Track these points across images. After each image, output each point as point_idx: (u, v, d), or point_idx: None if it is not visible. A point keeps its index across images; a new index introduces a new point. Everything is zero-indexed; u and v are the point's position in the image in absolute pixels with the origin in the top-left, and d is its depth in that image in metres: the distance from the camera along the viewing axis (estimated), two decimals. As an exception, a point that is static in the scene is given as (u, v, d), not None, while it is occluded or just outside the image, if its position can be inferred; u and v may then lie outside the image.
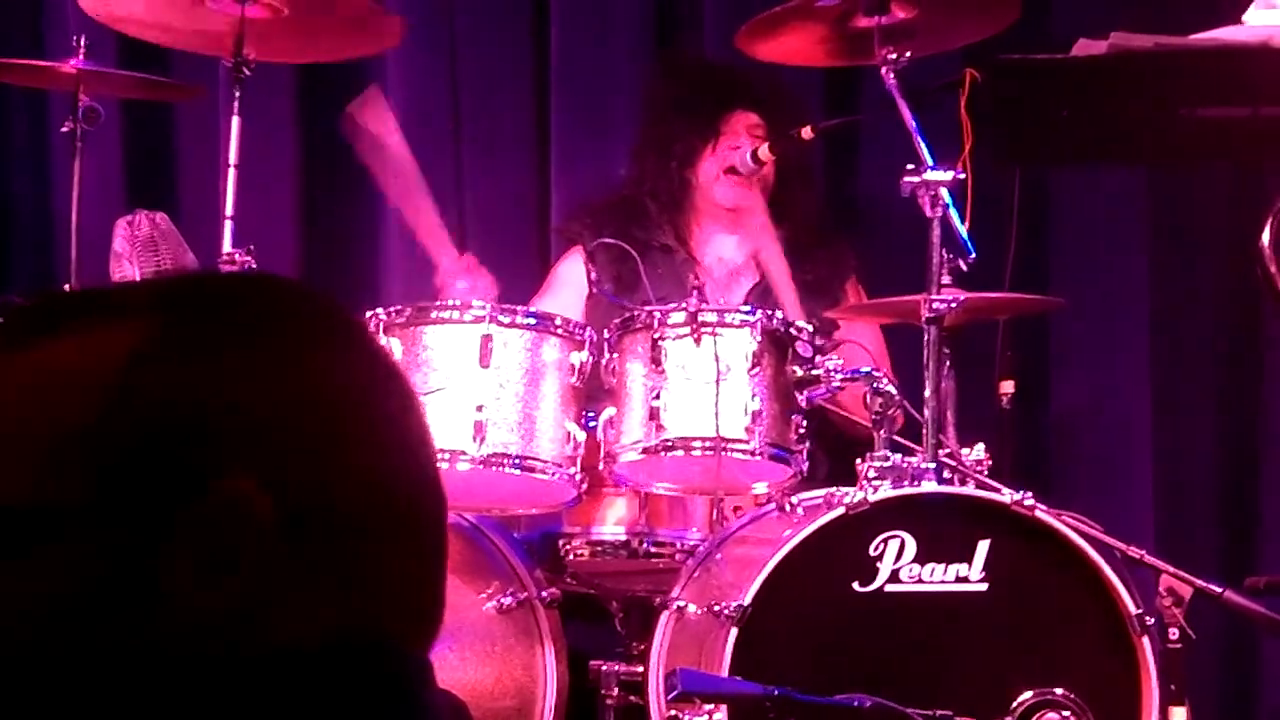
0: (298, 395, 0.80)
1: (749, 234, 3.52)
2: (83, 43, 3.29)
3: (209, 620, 0.78)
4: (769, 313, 2.91)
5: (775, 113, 3.48)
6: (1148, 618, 2.73)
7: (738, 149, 3.47)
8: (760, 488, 2.98)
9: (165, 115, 4.10)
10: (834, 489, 2.86)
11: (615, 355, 2.90)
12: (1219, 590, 2.80)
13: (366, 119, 3.38)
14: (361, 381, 0.84)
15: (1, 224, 4.10)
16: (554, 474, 2.84)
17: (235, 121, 3.26)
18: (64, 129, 3.32)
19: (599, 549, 3.05)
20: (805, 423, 2.90)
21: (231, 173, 3.25)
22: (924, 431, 2.90)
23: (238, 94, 3.27)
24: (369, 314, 2.89)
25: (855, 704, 2.53)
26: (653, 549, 3.01)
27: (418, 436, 0.86)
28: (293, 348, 0.82)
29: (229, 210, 3.23)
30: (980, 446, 2.99)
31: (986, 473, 2.94)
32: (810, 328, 2.96)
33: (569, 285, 3.54)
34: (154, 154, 4.11)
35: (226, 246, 3.18)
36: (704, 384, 2.82)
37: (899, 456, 2.86)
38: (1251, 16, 2.17)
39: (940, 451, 2.89)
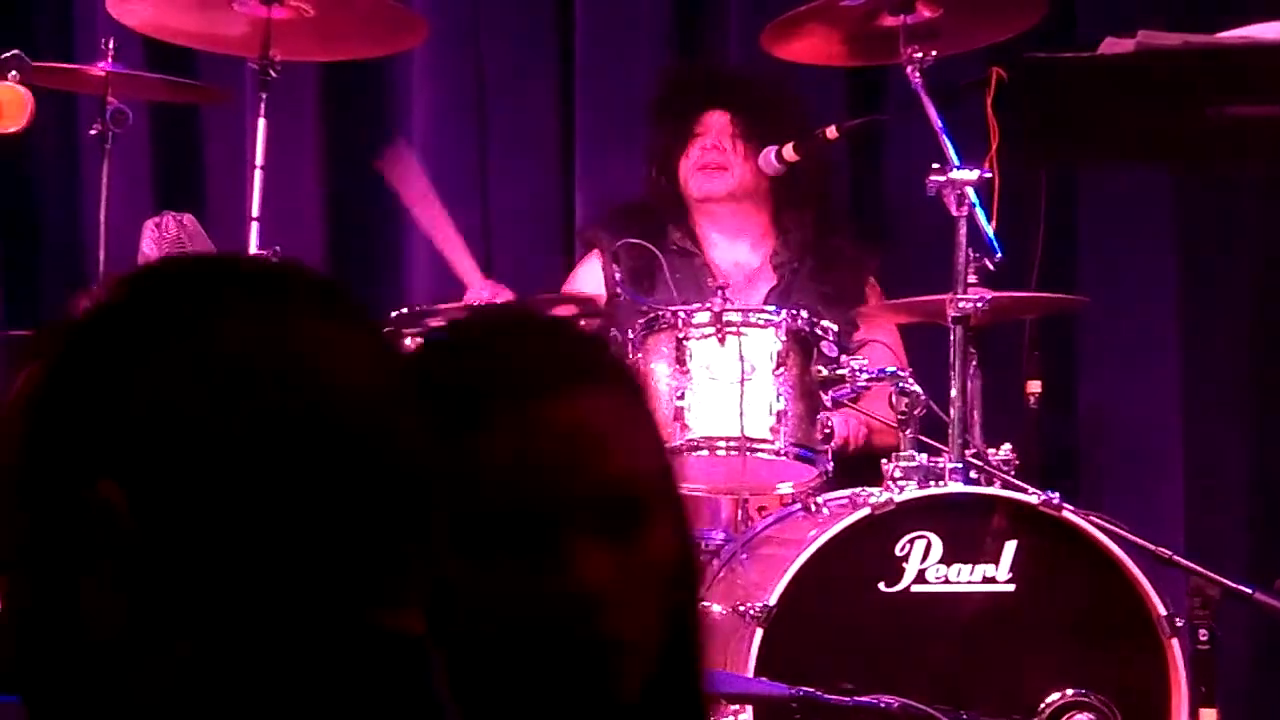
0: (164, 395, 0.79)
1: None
2: (111, 46, 3.31)
3: (119, 635, 0.79)
4: (794, 312, 2.90)
5: (749, 113, 3.47)
6: (1177, 619, 2.72)
7: (715, 148, 3.46)
8: (785, 488, 2.97)
9: (192, 117, 4.11)
10: (859, 489, 2.85)
11: (639, 355, 2.90)
12: (1249, 591, 2.78)
13: (394, 173, 3.54)
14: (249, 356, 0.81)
15: (30, 226, 4.12)
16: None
17: (261, 123, 3.27)
18: (92, 131, 3.33)
19: (624, 549, 3.04)
20: (830, 423, 2.89)
21: (258, 174, 3.26)
22: (950, 431, 2.89)
23: (263, 95, 3.28)
24: (394, 314, 2.89)
25: (882, 705, 2.53)
26: (678, 549, 3.00)
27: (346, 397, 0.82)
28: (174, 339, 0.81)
29: (255, 211, 3.24)
30: (1007, 446, 2.98)
31: (1013, 473, 2.93)
32: (835, 327, 2.95)
33: (589, 288, 3.54)
34: (181, 156, 4.12)
35: (253, 247, 3.19)
36: (729, 384, 2.82)
37: (925, 456, 2.86)
38: None
39: (967, 451, 2.88)
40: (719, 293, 2.89)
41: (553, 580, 0.94)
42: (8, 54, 2.84)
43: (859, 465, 3.21)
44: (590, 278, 3.56)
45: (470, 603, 0.94)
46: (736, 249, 3.57)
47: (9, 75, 2.84)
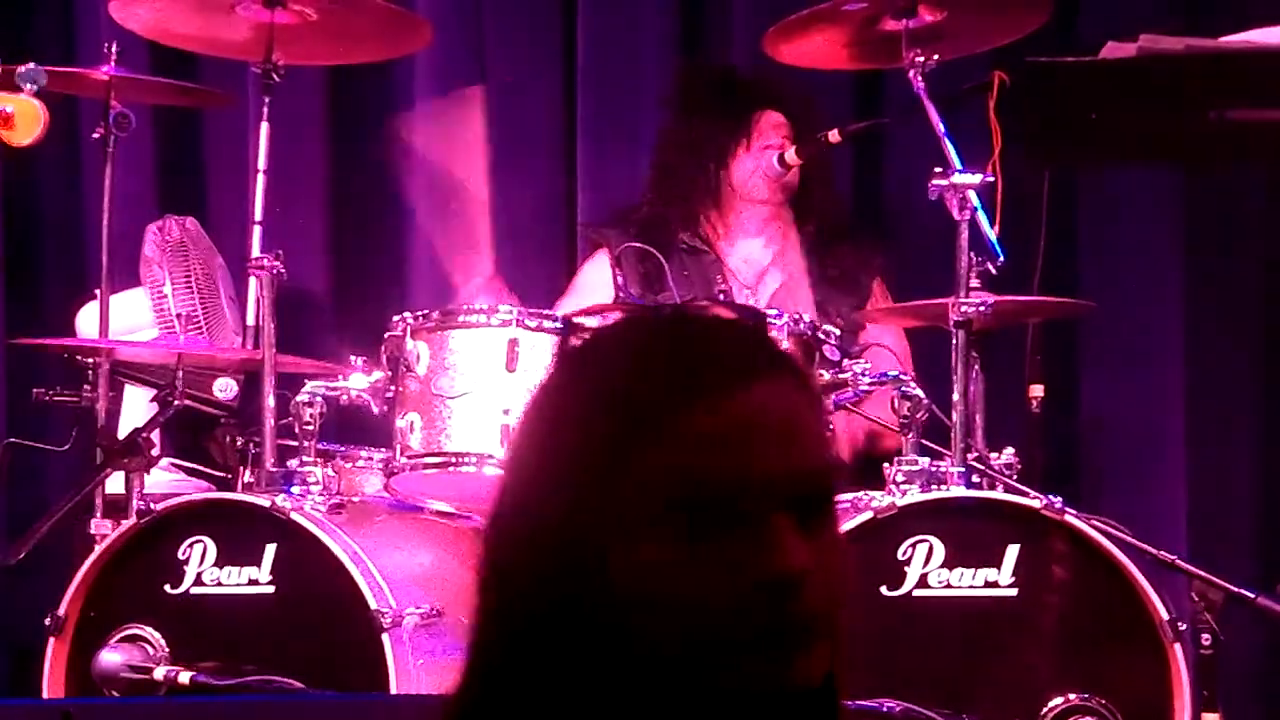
0: None
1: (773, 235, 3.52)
2: (114, 49, 3.31)
3: None
4: (796, 316, 2.90)
5: (800, 113, 3.49)
6: (1180, 623, 2.71)
7: (769, 148, 3.48)
8: (788, 492, 2.96)
9: (195, 121, 4.12)
10: (862, 493, 2.85)
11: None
12: (1252, 595, 2.78)
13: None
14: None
15: (33, 229, 4.13)
16: (581, 478, 2.83)
17: (264, 127, 3.27)
18: (95, 135, 3.34)
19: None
20: (833, 426, 2.89)
21: (261, 178, 3.26)
22: (953, 435, 2.88)
23: (266, 99, 3.28)
24: (396, 318, 2.90)
25: (884, 709, 2.53)
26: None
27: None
28: None
29: (258, 215, 3.24)
30: (1009, 450, 2.98)
31: (1016, 477, 2.93)
32: (837, 330, 2.95)
33: (595, 288, 3.54)
34: (184, 160, 4.13)
35: (256, 251, 3.19)
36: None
37: (927, 460, 2.85)
38: None
39: (969, 455, 2.88)
40: (720, 296, 2.89)
41: (761, 562, 1.00)
42: (24, 67, 2.83)
43: (861, 469, 3.21)
44: (598, 277, 3.55)
45: (678, 583, 1.00)
46: (748, 246, 3.57)
47: (25, 88, 2.83)
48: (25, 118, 2.85)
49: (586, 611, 1.00)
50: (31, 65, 2.84)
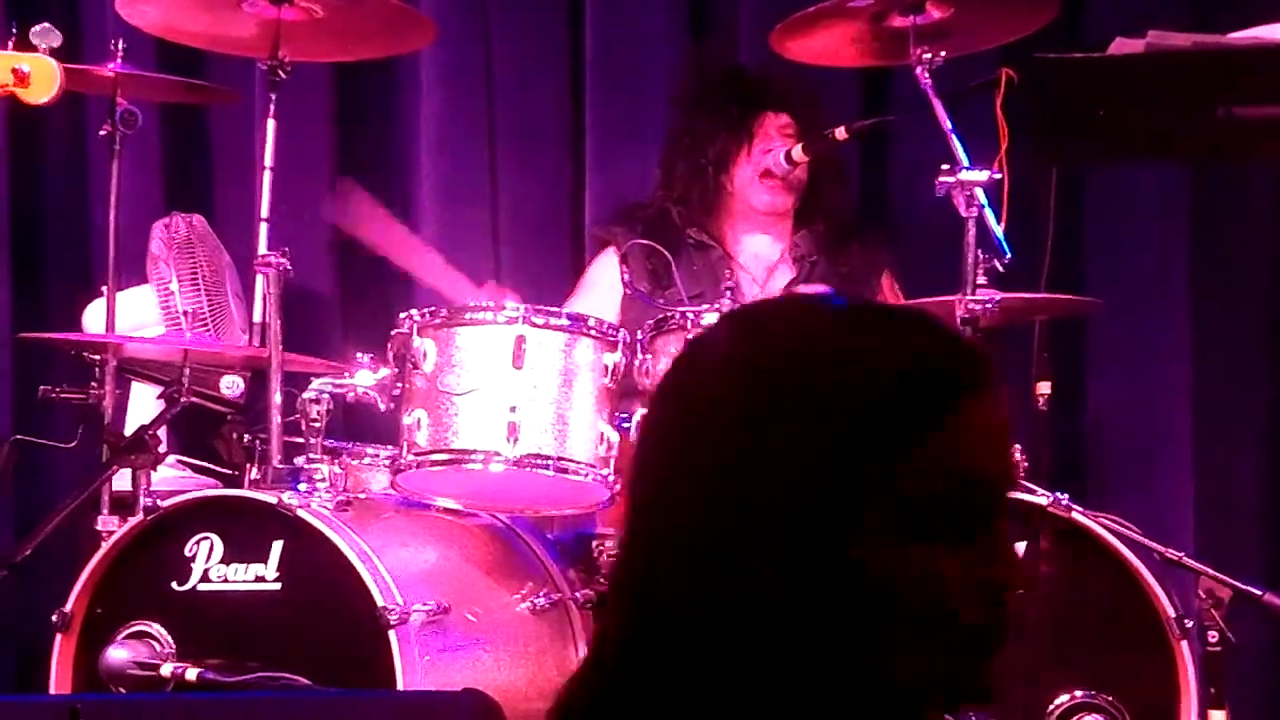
0: None
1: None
2: (120, 46, 3.31)
3: None
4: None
5: (805, 113, 3.48)
6: (1187, 620, 2.71)
7: (770, 151, 3.47)
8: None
9: (201, 118, 4.12)
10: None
11: (649, 356, 2.90)
12: (1259, 593, 2.77)
13: (345, 214, 3.47)
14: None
15: (40, 226, 4.13)
16: (587, 475, 2.84)
17: (270, 124, 3.27)
18: (102, 132, 3.34)
19: (633, 550, 3.04)
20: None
21: (267, 175, 3.26)
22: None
23: (273, 96, 3.28)
24: (403, 315, 2.90)
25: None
26: (686, 550, 3.00)
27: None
28: None
29: (264, 212, 3.24)
30: (1016, 448, 2.97)
31: (1023, 474, 2.93)
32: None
33: (602, 286, 3.54)
34: (190, 157, 4.13)
35: (262, 248, 3.19)
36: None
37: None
38: None
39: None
40: (727, 292, 2.89)
41: (990, 567, 1.01)
42: (38, 26, 2.85)
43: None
44: (606, 275, 3.55)
45: (916, 587, 1.00)
46: (757, 242, 3.57)
47: (40, 47, 2.84)
48: (42, 76, 2.86)
49: (817, 605, 0.98)
50: (46, 25, 2.86)
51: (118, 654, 2.80)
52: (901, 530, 0.99)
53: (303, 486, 2.88)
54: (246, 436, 3.22)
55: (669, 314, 2.93)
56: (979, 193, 2.91)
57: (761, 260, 3.56)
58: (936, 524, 1.00)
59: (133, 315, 3.60)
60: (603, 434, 2.85)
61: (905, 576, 0.99)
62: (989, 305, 2.90)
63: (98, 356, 3.31)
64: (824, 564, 0.98)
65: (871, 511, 0.99)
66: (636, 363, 2.90)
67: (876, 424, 0.99)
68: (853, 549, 0.98)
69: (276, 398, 3.03)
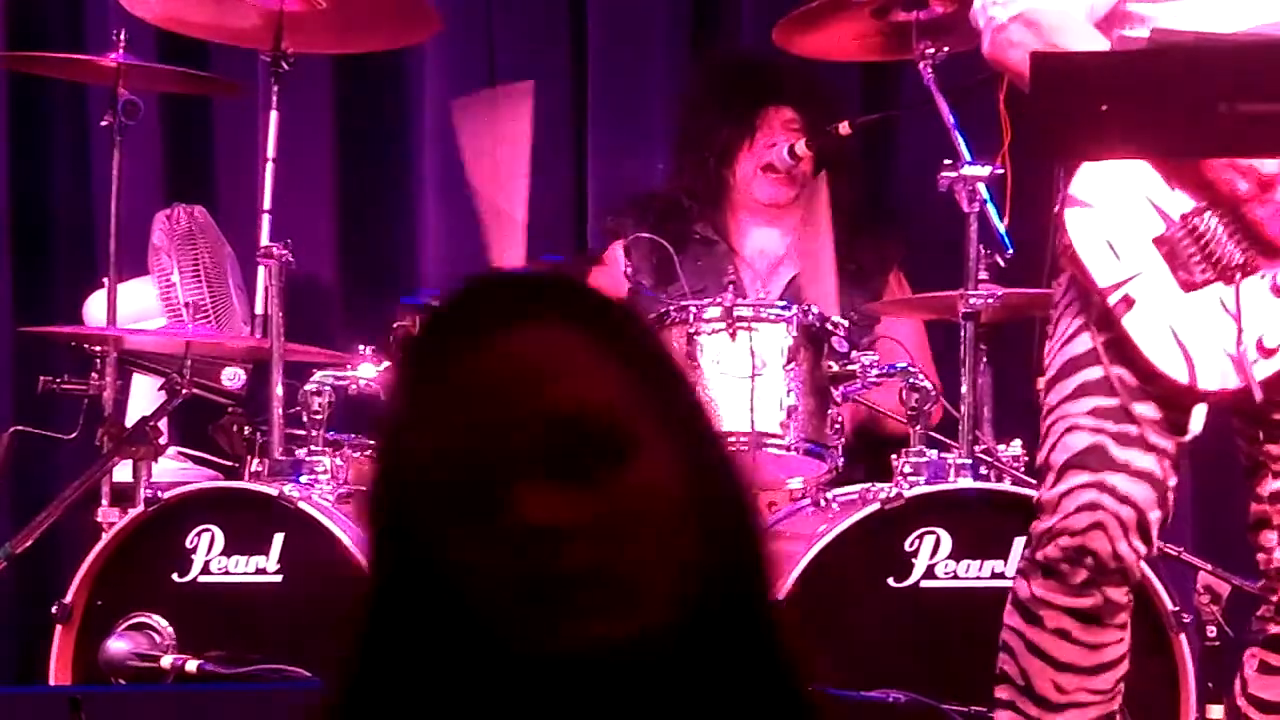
0: None
1: (803, 223, 3.50)
2: (122, 37, 3.31)
3: None
4: (805, 308, 2.90)
5: (811, 108, 3.47)
6: (1185, 615, 2.71)
7: (774, 145, 3.46)
8: (795, 483, 2.97)
9: (204, 109, 4.11)
10: (869, 484, 2.85)
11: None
12: (1258, 587, 2.77)
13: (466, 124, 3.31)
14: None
15: (41, 217, 4.13)
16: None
17: (273, 115, 3.27)
18: (103, 123, 3.34)
19: (634, 543, 3.04)
20: (841, 418, 2.89)
21: (269, 166, 3.26)
22: (961, 427, 2.89)
23: (275, 88, 3.28)
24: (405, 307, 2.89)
25: (890, 700, 2.53)
26: (688, 544, 3.00)
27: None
28: None
29: (267, 203, 3.24)
30: (1017, 442, 2.98)
31: (1023, 469, 2.93)
32: (846, 323, 2.95)
33: (611, 280, 3.54)
34: (193, 148, 4.12)
35: (264, 240, 3.19)
36: (739, 379, 2.82)
37: (935, 452, 2.86)
38: None
39: (977, 447, 2.88)
40: (730, 287, 2.89)
41: (506, 528, 0.93)
42: None
43: (869, 462, 3.21)
44: (612, 269, 3.55)
45: (450, 565, 0.95)
46: (762, 237, 3.57)
47: None
48: None
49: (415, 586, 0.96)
50: None
51: (118, 646, 2.80)
52: (440, 500, 0.96)
53: (304, 479, 2.88)
54: (248, 428, 3.22)
55: (670, 308, 2.93)
56: (981, 188, 2.91)
57: (766, 255, 3.56)
58: (452, 490, 0.95)
59: (134, 306, 3.60)
60: (604, 427, 2.84)
61: (454, 548, 0.95)
62: (991, 300, 2.91)
63: (99, 348, 3.31)
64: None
65: (418, 487, 0.97)
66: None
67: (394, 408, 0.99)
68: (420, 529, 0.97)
69: (278, 390, 3.03)
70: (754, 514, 1.03)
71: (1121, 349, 2.20)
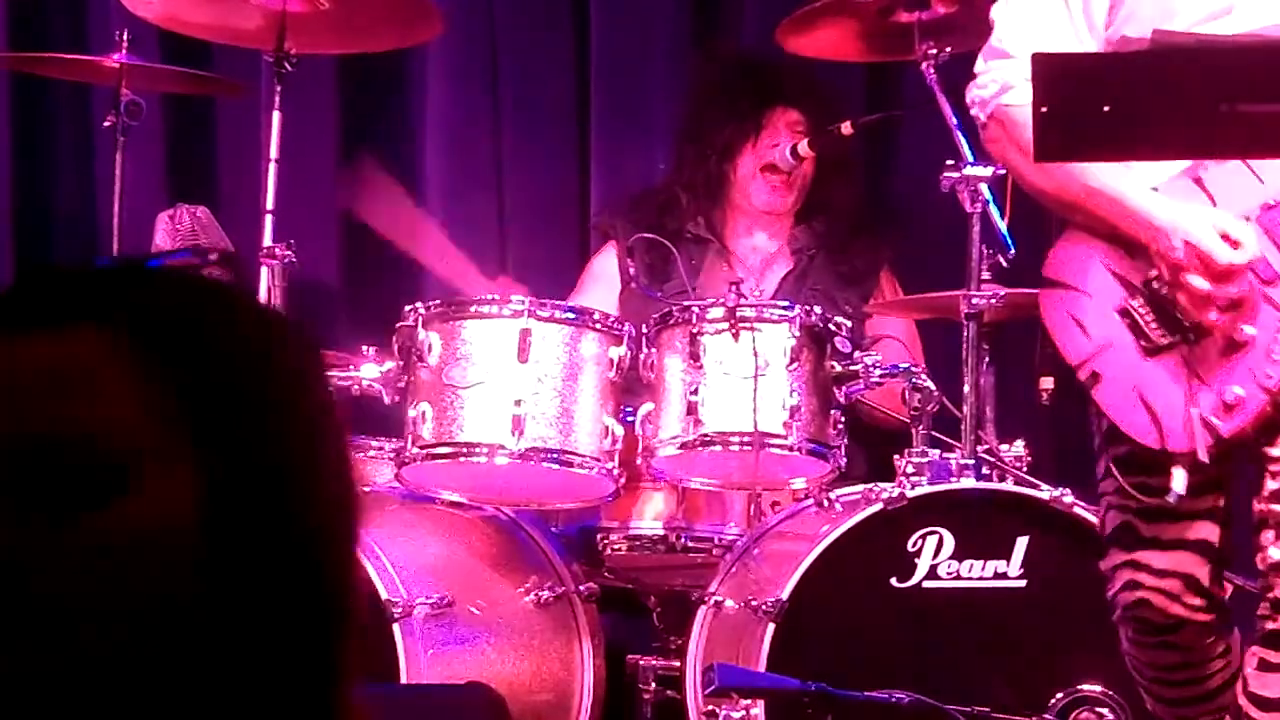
0: None
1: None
2: (125, 37, 3.31)
3: None
4: (807, 308, 2.91)
5: (816, 109, 3.47)
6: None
7: (776, 146, 3.47)
8: (798, 483, 2.98)
9: (207, 109, 4.12)
10: (872, 484, 2.85)
11: (653, 350, 2.91)
12: (1257, 586, 2.78)
13: (365, 193, 3.47)
14: None
15: (44, 217, 4.14)
16: (592, 468, 2.85)
17: (276, 116, 3.27)
18: (106, 123, 3.35)
19: (637, 544, 3.05)
20: (844, 418, 2.89)
21: (272, 167, 3.26)
22: (963, 427, 2.89)
23: (279, 88, 3.28)
24: (408, 308, 2.90)
25: (893, 700, 2.53)
26: (690, 544, 3.01)
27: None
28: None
29: (269, 204, 3.24)
30: (1020, 443, 2.98)
31: (1025, 469, 2.94)
32: (849, 323, 2.95)
33: (605, 280, 3.55)
34: (195, 148, 4.13)
35: (267, 240, 3.19)
36: (742, 379, 2.82)
37: (938, 452, 2.86)
38: None
39: (979, 447, 2.89)
40: (733, 288, 2.89)
41: None
42: None
43: (871, 462, 3.21)
44: (606, 268, 3.56)
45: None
46: (756, 235, 3.57)
47: None
48: None
49: None
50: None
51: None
52: None
53: (307, 478, 2.88)
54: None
55: (673, 308, 2.94)
56: (983, 188, 2.91)
57: (759, 253, 3.57)
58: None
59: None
60: (607, 428, 2.86)
61: None
62: (993, 300, 2.91)
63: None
64: None
65: None
66: (641, 356, 2.90)
67: None
68: None
69: (281, 390, 3.03)
70: (337, 544, 0.91)
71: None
